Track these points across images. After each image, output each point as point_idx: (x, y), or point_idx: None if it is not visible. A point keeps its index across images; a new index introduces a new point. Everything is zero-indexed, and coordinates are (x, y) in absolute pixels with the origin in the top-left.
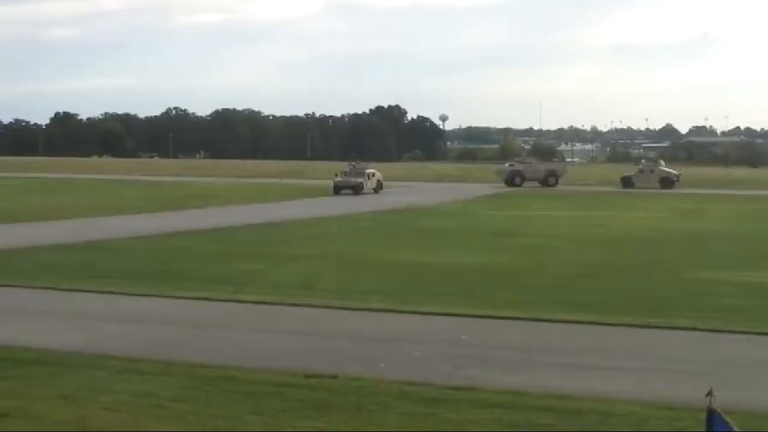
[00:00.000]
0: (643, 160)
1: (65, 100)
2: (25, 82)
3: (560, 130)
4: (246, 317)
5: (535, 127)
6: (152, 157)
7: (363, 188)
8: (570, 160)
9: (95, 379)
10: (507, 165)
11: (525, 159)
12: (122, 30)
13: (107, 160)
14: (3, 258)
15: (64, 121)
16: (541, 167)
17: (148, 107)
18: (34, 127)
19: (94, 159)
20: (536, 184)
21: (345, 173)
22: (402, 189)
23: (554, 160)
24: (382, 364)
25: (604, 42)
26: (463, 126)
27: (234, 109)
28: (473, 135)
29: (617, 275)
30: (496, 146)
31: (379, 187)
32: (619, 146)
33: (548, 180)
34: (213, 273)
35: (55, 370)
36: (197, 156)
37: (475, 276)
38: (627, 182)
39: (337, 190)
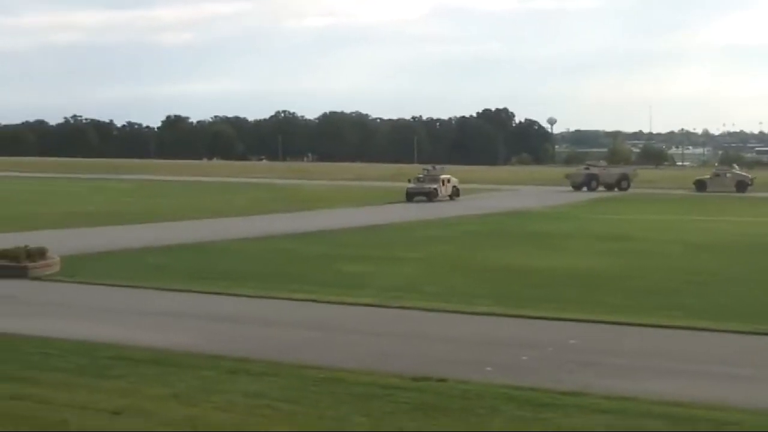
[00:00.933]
0: (716, 164)
1: (176, 103)
2: (138, 86)
3: (671, 133)
4: (353, 319)
5: (645, 131)
6: (261, 160)
7: (437, 195)
8: (681, 163)
9: (206, 378)
10: (583, 168)
11: (597, 163)
12: (231, 34)
13: (217, 163)
14: (115, 259)
15: (175, 124)
16: (615, 171)
17: (257, 110)
18: (146, 130)
19: (204, 162)
20: (602, 188)
21: (418, 179)
22: (497, 194)
23: (621, 164)
24: (489, 367)
25: (717, 43)
26: (572, 129)
27: (342, 112)
28: (582, 138)
29: (728, 281)
30: (604, 150)
31: (455, 194)
32: (732, 150)
33: (620, 183)
34: (319, 275)
35: (167, 370)
36: (305, 159)
37: (584, 280)
38: (701, 186)
39: (410, 197)
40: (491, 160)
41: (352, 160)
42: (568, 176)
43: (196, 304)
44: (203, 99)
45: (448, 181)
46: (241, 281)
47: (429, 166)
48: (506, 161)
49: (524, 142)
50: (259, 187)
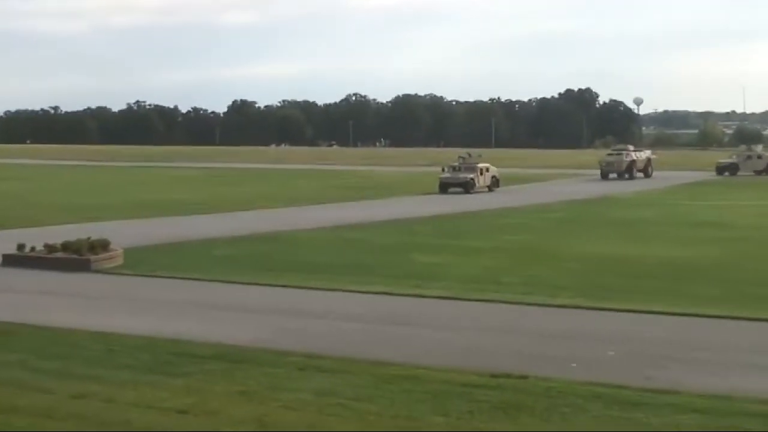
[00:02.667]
0: (742, 146)
1: (242, 87)
2: (203, 70)
3: (766, 113)
4: (429, 313)
5: (738, 111)
6: (331, 145)
7: (475, 185)
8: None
9: (275, 376)
10: (612, 153)
11: (626, 147)
12: (298, 14)
13: (285, 149)
14: (179, 250)
15: (241, 109)
16: (644, 156)
17: (326, 94)
18: (211, 115)
19: (272, 148)
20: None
21: (453, 168)
22: (566, 181)
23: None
24: (574, 363)
25: None
26: (660, 110)
27: (415, 94)
28: (670, 119)
29: None
30: (695, 131)
31: (494, 185)
32: None
33: (646, 170)
34: (392, 266)
35: (233, 366)
36: (377, 144)
37: (676, 270)
38: (730, 168)
39: (444, 188)
40: (574, 143)
41: (427, 144)
42: (602, 163)
43: (263, 297)
44: (270, 82)
45: (487, 170)
46: (311, 273)
47: (465, 153)
48: (590, 144)
49: (609, 124)
50: (329, 174)
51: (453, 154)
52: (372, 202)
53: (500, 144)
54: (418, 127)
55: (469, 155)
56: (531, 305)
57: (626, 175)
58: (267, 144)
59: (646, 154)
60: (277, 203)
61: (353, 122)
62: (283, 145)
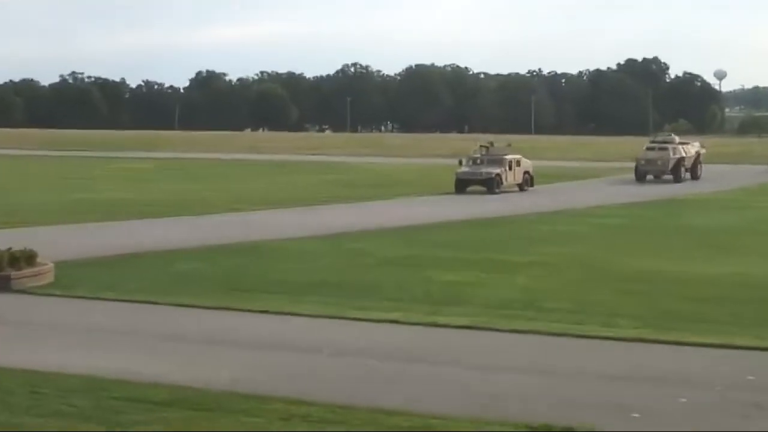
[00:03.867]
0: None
1: (209, 55)
2: (158, 34)
3: None
4: (448, 347)
5: None
6: (324, 130)
7: (501, 183)
8: None
9: (251, 427)
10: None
11: (667, 139)
12: None
13: (265, 135)
14: (129, 265)
15: (207, 83)
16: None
17: (317, 65)
18: (169, 91)
19: (248, 133)
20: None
21: (474, 161)
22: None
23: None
24: (636, 413)
25: None
26: (747, 86)
27: (432, 65)
28: (761, 98)
29: None
30: None
31: (527, 183)
32: None
33: (695, 169)
34: (403, 286)
35: (197, 415)
36: (383, 129)
37: (766, 293)
38: None
39: (461, 186)
40: (637, 128)
41: (446, 129)
42: (640, 160)
43: (237, 326)
44: (245, 49)
45: (517, 164)
46: (299, 295)
47: (487, 142)
48: (658, 129)
49: (682, 104)
50: (320, 168)
51: (480, 142)
52: (376, 203)
53: (541, 129)
54: (434, 108)
55: (492, 144)
56: (580, 337)
57: (671, 176)
58: (241, 128)
59: (695, 147)
60: (256, 204)
61: (351, 100)
62: (262, 130)
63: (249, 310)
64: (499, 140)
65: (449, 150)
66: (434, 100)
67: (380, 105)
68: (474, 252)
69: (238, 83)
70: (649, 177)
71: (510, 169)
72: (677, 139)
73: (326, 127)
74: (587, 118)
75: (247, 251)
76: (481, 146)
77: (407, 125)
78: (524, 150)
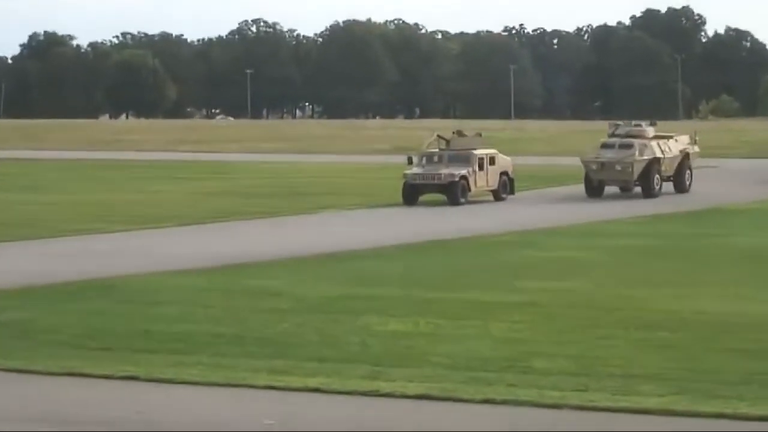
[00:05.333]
0: None
1: (46, 12)
2: None
3: None
4: (397, 424)
5: None
6: (214, 116)
7: (469, 188)
8: None
9: None
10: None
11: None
12: None
13: (130, 125)
14: None
15: (45, 50)
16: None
17: (204, 23)
18: None
19: (105, 122)
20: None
21: (429, 159)
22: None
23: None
24: None
25: None
26: None
27: (369, 20)
28: None
29: None
30: None
31: (504, 188)
32: None
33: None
34: (330, 339)
35: None
36: (299, 114)
37: None
38: None
39: (412, 193)
40: (662, 109)
41: (389, 114)
42: (589, 163)
43: (87, 400)
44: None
45: (491, 161)
46: (182, 354)
47: (453, 132)
48: (691, 111)
49: (724, 73)
50: (211, 170)
51: (438, 132)
52: (289, 220)
53: (525, 112)
54: (372, 83)
55: (459, 134)
56: (584, 410)
57: (636, 188)
58: (95, 114)
59: (680, 144)
60: (117, 224)
61: (253, 73)
62: (125, 117)
63: (107, 377)
64: (465, 128)
65: (394, 143)
66: (372, 72)
67: (294, 79)
68: (431, 289)
69: (89, 50)
70: (611, 189)
71: (480, 168)
72: (651, 131)
73: (217, 111)
74: (590, 95)
75: (106, 291)
76: (439, 137)
77: (333, 108)
78: (501, 142)
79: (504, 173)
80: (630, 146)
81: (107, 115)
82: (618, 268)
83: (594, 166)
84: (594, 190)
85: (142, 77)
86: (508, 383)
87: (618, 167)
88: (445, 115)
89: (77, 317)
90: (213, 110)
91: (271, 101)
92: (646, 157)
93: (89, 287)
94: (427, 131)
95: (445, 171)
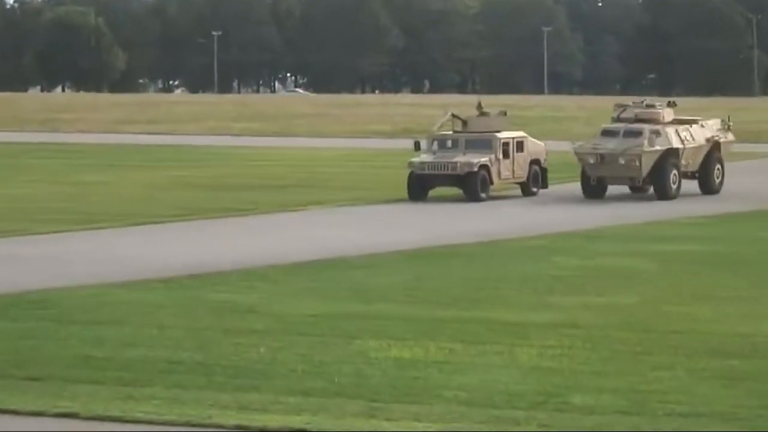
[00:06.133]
0: None
1: None
2: None
3: None
4: None
5: None
6: (173, 89)
7: (491, 181)
8: None
9: None
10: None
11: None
12: None
13: (67, 99)
14: None
15: None
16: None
17: None
18: None
19: (37, 96)
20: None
21: (441, 143)
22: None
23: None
24: None
25: None
26: None
27: None
28: None
29: None
30: None
31: (535, 181)
32: None
33: (707, 169)
34: (317, 368)
35: None
36: (277, 86)
37: None
38: None
39: (419, 186)
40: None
41: (393, 88)
42: (587, 158)
43: None
44: None
45: (519, 147)
46: (132, 385)
47: (477, 109)
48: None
49: None
50: (169, 156)
51: (452, 109)
52: (267, 219)
53: (562, 85)
54: (370, 48)
55: (480, 111)
56: None
57: (646, 187)
58: (23, 87)
59: (706, 130)
60: (50, 223)
61: (221, 35)
62: (61, 89)
63: (38, 413)
64: (487, 105)
65: (397, 124)
66: (369, 34)
67: (272, 44)
68: (443, 306)
69: (15, 6)
70: (615, 188)
71: (505, 156)
72: (668, 113)
73: (176, 83)
74: (642, 64)
75: (38, 308)
76: (453, 117)
77: (321, 80)
78: (531, 122)
79: (535, 162)
80: (638, 133)
81: (38, 88)
82: (673, 279)
83: (591, 160)
84: (593, 190)
85: (82, 40)
86: (540, 423)
87: (622, 160)
88: (461, 89)
89: (1, 340)
90: (170, 82)
91: (244, 71)
92: (658, 148)
93: (16, 303)
94: (438, 109)
95: (461, 159)
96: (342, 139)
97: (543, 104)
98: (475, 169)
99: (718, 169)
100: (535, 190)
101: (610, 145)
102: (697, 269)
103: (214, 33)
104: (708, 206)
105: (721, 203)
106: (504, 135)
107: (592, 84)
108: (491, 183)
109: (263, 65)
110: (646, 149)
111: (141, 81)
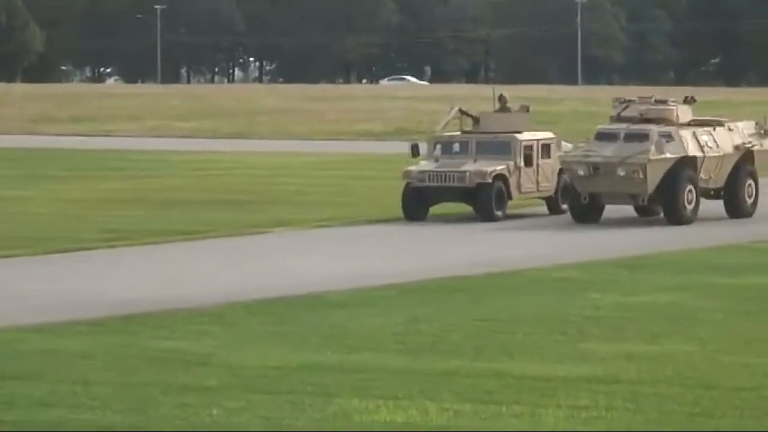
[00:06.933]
0: None
1: None
2: None
3: None
4: None
5: None
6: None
7: (509, 195)
8: None
9: None
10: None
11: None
12: None
13: None
14: None
15: None
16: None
17: None
18: None
19: None
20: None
21: (446, 147)
22: None
23: None
24: None
25: None
26: None
27: None
28: None
29: None
30: None
31: (567, 194)
32: None
33: (735, 187)
34: None
35: None
36: (235, 74)
37: None
38: None
39: (418, 202)
40: None
41: (383, 72)
42: (576, 170)
43: None
44: None
45: (546, 152)
46: None
47: (497, 102)
48: None
49: None
50: (104, 164)
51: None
52: (225, 242)
53: (597, 73)
54: (357, 25)
55: (502, 105)
56: None
57: (654, 207)
58: None
59: (734, 136)
60: None
61: (165, 11)
62: None
63: None
64: (505, 97)
65: (389, 122)
66: (355, 9)
67: (231, 20)
68: (446, 355)
69: None
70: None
71: (528, 163)
72: (683, 111)
73: (108, 71)
74: (702, 47)
75: None
76: (462, 113)
77: (293, 66)
78: (561, 120)
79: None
80: (644, 137)
81: None
82: (739, 321)
83: (582, 171)
84: (584, 210)
85: None
86: None
87: (621, 172)
88: (470, 77)
89: None
90: (101, 69)
91: (194, 56)
92: (669, 156)
93: None
94: (442, 103)
95: (471, 167)
96: (319, 141)
97: (576, 96)
98: (489, 180)
99: (750, 185)
100: (565, 206)
101: (607, 151)
102: (766, 308)
103: (156, 7)
104: None
105: None
106: (526, 136)
107: (638, 71)
108: (509, 197)
109: (219, 49)
110: (652, 157)
111: (64, 68)
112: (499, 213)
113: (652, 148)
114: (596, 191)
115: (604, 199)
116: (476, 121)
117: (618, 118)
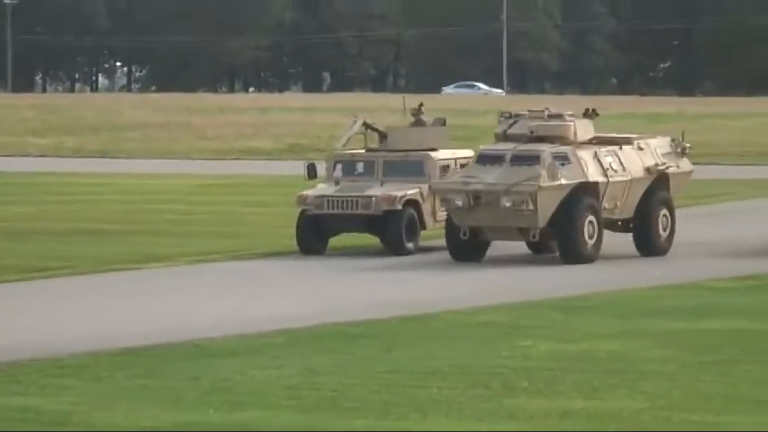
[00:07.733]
0: None
1: None
2: None
3: None
4: None
5: None
6: None
7: (419, 224)
8: None
9: None
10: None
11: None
12: None
13: None
14: None
15: None
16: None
17: None
18: None
19: None
20: None
21: (346, 167)
22: None
23: None
24: None
25: None
26: None
27: None
28: None
29: None
30: None
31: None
32: None
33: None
34: None
35: None
36: (103, 83)
37: None
38: None
39: (311, 232)
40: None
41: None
42: (453, 199)
43: None
44: None
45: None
46: None
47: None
48: None
49: None
50: None
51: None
52: (87, 281)
53: (525, 79)
54: (243, 23)
55: (416, 118)
56: None
57: (548, 243)
58: None
59: (646, 154)
60: None
61: (16, 7)
62: None
63: None
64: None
65: (280, 138)
66: (241, 3)
67: (94, 19)
68: (347, 414)
69: None
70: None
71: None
72: (582, 126)
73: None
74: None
75: None
76: (367, 127)
77: (168, 72)
78: (484, 135)
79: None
80: (534, 159)
81: None
82: (692, 373)
83: (459, 201)
84: (465, 247)
85: None
86: None
87: (506, 202)
88: (377, 85)
89: None
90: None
91: (52, 60)
92: (565, 182)
93: None
94: (343, 115)
95: (377, 191)
96: (199, 161)
97: (501, 107)
98: (399, 207)
99: (665, 215)
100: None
101: (490, 177)
102: (727, 357)
103: (7, 2)
104: (737, 265)
105: (752, 261)
106: (443, 155)
107: (575, 78)
108: (422, 227)
109: (81, 52)
110: (544, 184)
111: None
112: (410, 245)
113: (544, 173)
114: (477, 225)
115: (487, 233)
116: (384, 136)
117: (504, 137)
